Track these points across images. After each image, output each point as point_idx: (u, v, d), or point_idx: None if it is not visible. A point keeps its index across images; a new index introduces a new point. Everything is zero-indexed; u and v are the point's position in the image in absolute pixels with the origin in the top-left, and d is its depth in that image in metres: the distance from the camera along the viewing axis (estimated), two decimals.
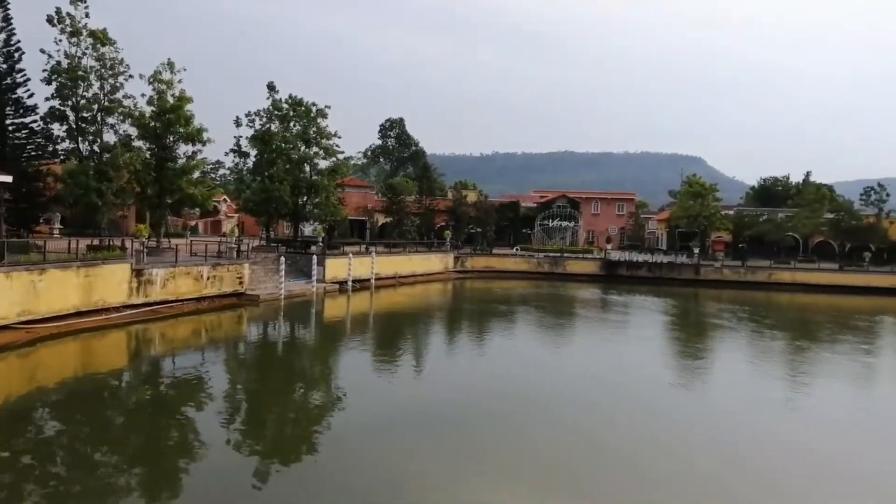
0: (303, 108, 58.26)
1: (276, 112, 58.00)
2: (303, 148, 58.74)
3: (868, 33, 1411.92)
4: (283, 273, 46.25)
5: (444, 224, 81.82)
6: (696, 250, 75.65)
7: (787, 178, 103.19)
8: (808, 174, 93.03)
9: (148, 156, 46.82)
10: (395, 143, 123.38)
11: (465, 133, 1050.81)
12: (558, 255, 76.20)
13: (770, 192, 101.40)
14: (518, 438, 19.33)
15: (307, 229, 69.31)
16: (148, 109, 46.09)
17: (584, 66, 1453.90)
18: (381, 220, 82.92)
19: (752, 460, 18.19)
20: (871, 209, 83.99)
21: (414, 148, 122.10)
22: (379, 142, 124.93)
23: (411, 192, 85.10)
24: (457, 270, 71.17)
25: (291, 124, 58.67)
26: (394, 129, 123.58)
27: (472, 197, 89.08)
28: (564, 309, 51.66)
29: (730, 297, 60.39)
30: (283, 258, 48.27)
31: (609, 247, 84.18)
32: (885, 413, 24.58)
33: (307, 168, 59.69)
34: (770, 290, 65.76)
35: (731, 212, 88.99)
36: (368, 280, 56.12)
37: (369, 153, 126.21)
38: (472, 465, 17.07)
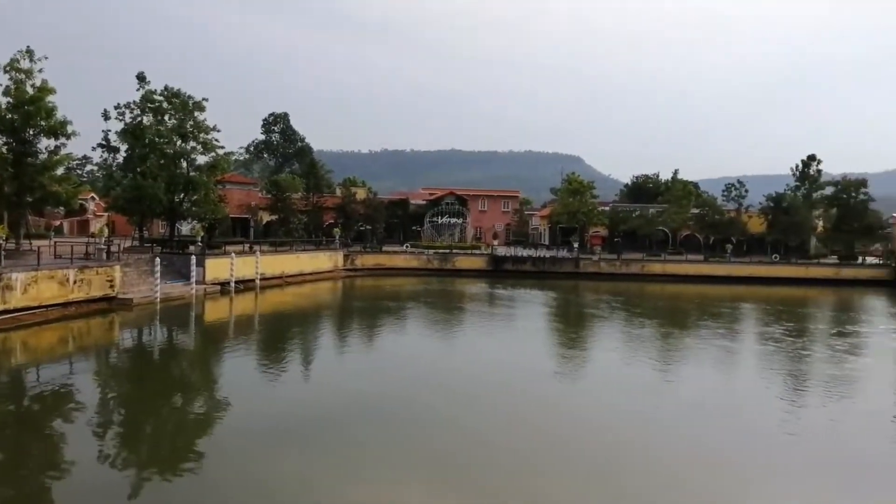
0: (179, 101, 55.28)
1: (148, 104, 54.70)
2: (179, 142, 55.79)
3: (731, 47, 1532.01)
4: (158, 275, 43.76)
5: (332, 222, 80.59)
6: (576, 245, 79.11)
7: (657, 176, 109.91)
8: (675, 172, 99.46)
9: (4, 150, 42.98)
10: (280, 139, 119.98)
11: (354, 130, 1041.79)
12: (447, 251, 77.23)
13: (642, 190, 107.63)
14: (406, 438, 19.31)
15: (185, 228, 66.04)
16: (3, 101, 42.39)
17: (470, 67, 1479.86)
18: (266, 218, 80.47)
19: (631, 443, 19.26)
20: (731, 204, 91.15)
21: (300, 144, 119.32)
22: (262, 137, 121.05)
23: (298, 189, 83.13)
24: (346, 269, 70.36)
25: (166, 117, 55.58)
26: (278, 124, 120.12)
27: (361, 194, 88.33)
28: (453, 304, 52.37)
29: (607, 289, 63.64)
30: (158, 259, 45.65)
31: (496, 243, 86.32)
32: (739, 393, 26.76)
33: (184, 164, 56.75)
34: (643, 281, 69.95)
35: (608, 208, 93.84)
36: (253, 280, 54.26)
37: (252, 148, 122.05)
38: (360, 468, 16.89)
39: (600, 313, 49.68)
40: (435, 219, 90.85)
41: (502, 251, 79.22)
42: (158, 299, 43.13)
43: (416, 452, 18.10)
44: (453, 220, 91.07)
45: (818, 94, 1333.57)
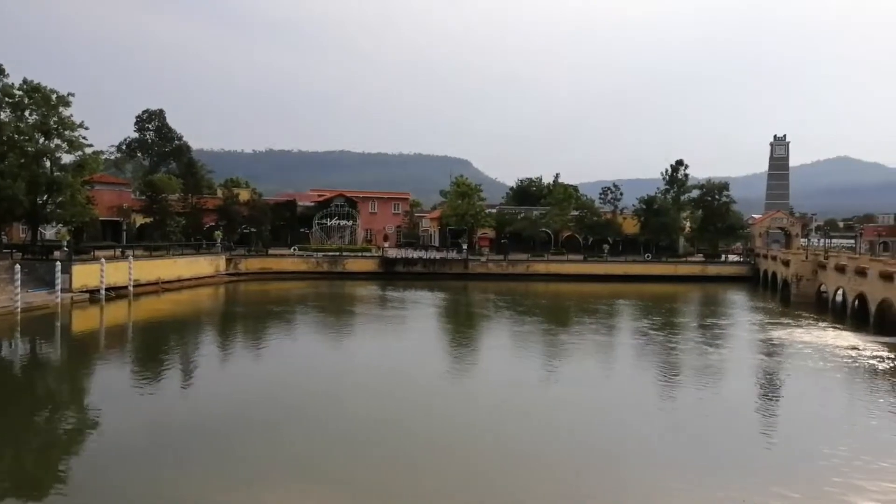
0: (40, 95, 51.05)
1: (6, 99, 50.13)
2: (41, 140, 51.56)
3: (598, 53, 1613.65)
4: (18, 283, 40.27)
5: (213, 224, 77.23)
6: (465, 246, 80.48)
7: (540, 180, 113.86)
8: (557, 176, 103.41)
9: None
10: (155, 137, 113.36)
11: (237, 129, 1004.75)
12: (337, 254, 76.22)
13: (526, 192, 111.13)
14: (289, 445, 18.91)
15: (49, 232, 61.06)
16: None
17: (360, 69, 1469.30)
18: (141, 220, 75.83)
19: (506, 438, 19.85)
20: (608, 206, 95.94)
21: (177, 142, 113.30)
22: (136, 135, 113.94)
23: (175, 190, 79.00)
24: (230, 273, 67.74)
25: (27, 113, 51.19)
26: (153, 122, 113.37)
27: (244, 195, 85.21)
28: (343, 308, 51.76)
29: (495, 289, 65.22)
30: (17, 266, 41.97)
31: (386, 245, 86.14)
32: (613, 386, 28.28)
33: (47, 163, 52.50)
34: (528, 281, 72.26)
35: (495, 210, 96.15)
36: (126, 287, 51.01)
37: (124, 147, 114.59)
38: (237, 480, 16.33)
39: (487, 313, 50.84)
40: (324, 221, 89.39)
41: (393, 253, 79.17)
42: (19, 309, 39.69)
43: (294, 460, 17.75)
44: (343, 223, 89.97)
45: (686, 102, 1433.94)
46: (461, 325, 45.42)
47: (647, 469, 17.54)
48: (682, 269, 78.70)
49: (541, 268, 76.57)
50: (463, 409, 23.40)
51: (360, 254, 78.74)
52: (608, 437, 20.31)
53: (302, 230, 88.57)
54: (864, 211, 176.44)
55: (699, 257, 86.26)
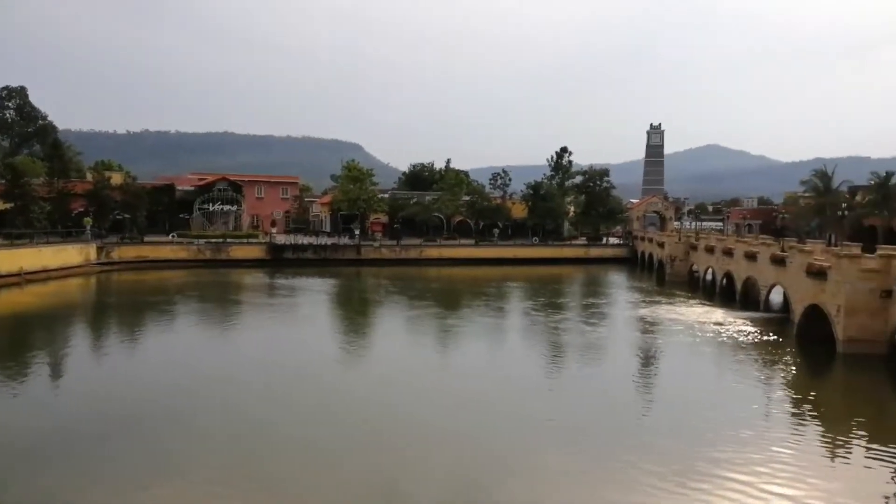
0: None
1: None
2: None
3: (491, 44, 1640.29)
4: None
5: (83, 210, 71.68)
6: (357, 232, 79.50)
7: (432, 165, 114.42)
8: (448, 161, 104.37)
9: None
10: (16, 116, 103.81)
11: (109, 108, 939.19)
12: (221, 240, 73.04)
13: (419, 178, 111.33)
14: (160, 444, 17.88)
15: None
16: None
17: (245, 49, 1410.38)
18: (0, 206, 69.10)
19: (397, 423, 19.75)
20: (497, 192, 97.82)
21: (41, 122, 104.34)
22: None
23: (39, 174, 72.62)
24: (101, 262, 63.23)
25: None
26: (13, 100, 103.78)
27: (117, 179, 79.44)
28: (229, 297, 49.64)
29: (388, 274, 64.91)
30: None
31: (274, 231, 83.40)
32: (501, 365, 28.88)
33: None
34: (422, 266, 72.49)
35: (387, 195, 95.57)
36: None
37: None
38: (111, 480, 15.22)
39: (380, 298, 50.50)
40: (206, 206, 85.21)
41: (282, 239, 76.90)
42: None
43: (164, 461, 16.77)
44: (227, 208, 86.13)
45: (571, 92, 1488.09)
46: (353, 312, 44.84)
47: (530, 446, 17.95)
48: (567, 252, 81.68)
49: (433, 252, 76.98)
50: (355, 397, 23.00)
51: (245, 240, 75.88)
52: (497, 416, 20.59)
53: (182, 216, 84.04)
54: (731, 195, 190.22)
55: (583, 240, 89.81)
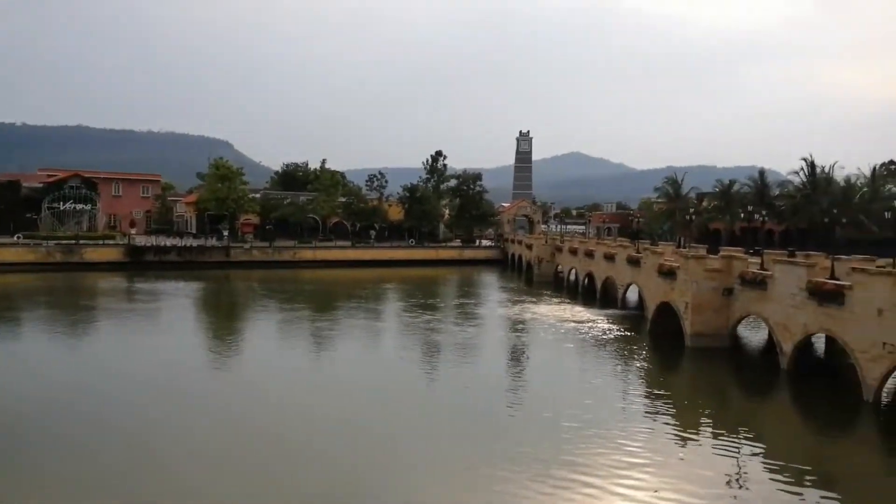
0: None
1: None
2: None
3: (368, 45, 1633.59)
4: None
5: None
6: (226, 233, 76.47)
7: (307, 165, 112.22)
8: (324, 162, 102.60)
9: None
10: None
11: None
12: (73, 242, 67.65)
13: (292, 177, 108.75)
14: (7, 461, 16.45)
15: None
16: None
17: (97, 34, 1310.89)
18: None
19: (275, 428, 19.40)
20: (374, 194, 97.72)
21: None
22: None
23: None
24: None
25: None
26: None
27: None
28: (81, 303, 46.06)
29: (259, 277, 62.97)
30: None
31: (134, 231, 78.25)
32: (377, 366, 29.06)
33: None
34: (296, 268, 70.89)
35: (259, 195, 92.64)
36: None
37: None
38: None
39: (250, 302, 48.96)
40: (56, 205, 78.55)
41: (142, 241, 72.38)
42: None
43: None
44: (80, 207, 79.94)
45: (446, 97, 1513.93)
46: (219, 317, 43.19)
47: (395, 451, 18.18)
48: (443, 254, 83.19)
49: (308, 254, 75.59)
50: (221, 406, 22.22)
51: (101, 242, 70.80)
52: (372, 418, 20.69)
53: (29, 216, 76.99)
54: (593, 200, 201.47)
55: (457, 242, 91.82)
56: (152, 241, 73.17)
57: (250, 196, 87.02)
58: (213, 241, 74.53)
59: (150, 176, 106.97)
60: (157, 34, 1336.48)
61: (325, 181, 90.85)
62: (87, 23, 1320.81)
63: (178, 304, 46.60)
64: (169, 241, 73.65)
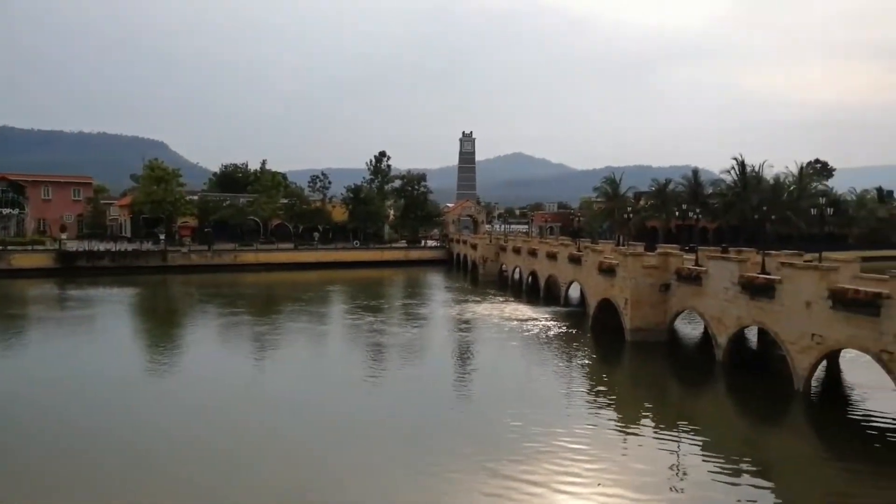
0: None
1: None
2: None
3: (312, 46, 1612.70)
4: None
5: None
6: (163, 237, 74.20)
7: (247, 166, 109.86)
8: (264, 162, 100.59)
9: None
10: None
11: None
12: (0, 248, 64.36)
13: (232, 179, 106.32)
14: None
15: None
16: None
17: (22, 29, 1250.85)
18: None
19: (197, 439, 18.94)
20: (317, 195, 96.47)
21: None
22: None
23: None
24: None
25: None
26: None
27: None
28: (8, 311, 43.82)
29: (199, 281, 61.36)
30: None
31: (65, 236, 74.97)
32: (322, 370, 28.75)
33: None
34: (237, 272, 69.35)
35: (196, 197, 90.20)
36: None
37: None
38: None
39: (188, 308, 47.69)
40: None
41: (74, 246, 69.54)
42: None
43: None
44: (7, 211, 76.35)
45: (390, 97, 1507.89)
46: (156, 324, 41.83)
47: (341, 449, 18.04)
48: (388, 255, 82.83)
49: (250, 257, 74.09)
50: (152, 416, 21.52)
51: (30, 247, 67.63)
52: (311, 423, 20.44)
53: None
54: (535, 200, 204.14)
55: (402, 243, 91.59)
56: (84, 245, 70.44)
57: (188, 198, 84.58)
58: (149, 246, 72.29)
59: (81, 178, 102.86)
60: (87, 30, 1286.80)
61: (265, 182, 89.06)
62: (9, 17, 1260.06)
63: (111, 311, 44.97)
64: (102, 246, 71.10)
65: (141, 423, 20.20)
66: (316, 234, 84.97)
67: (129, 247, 71.79)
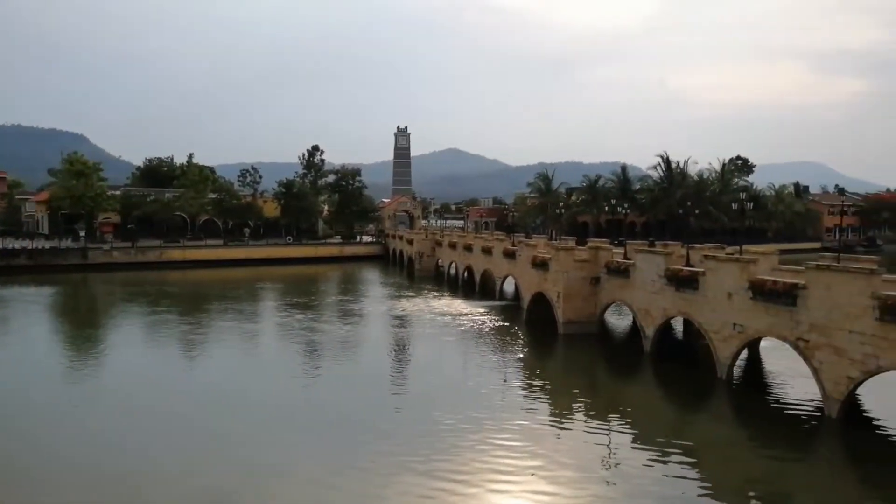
0: None
1: None
2: None
3: (235, 35, 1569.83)
4: None
5: None
6: (83, 233, 70.79)
7: (172, 159, 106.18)
8: (191, 156, 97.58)
9: None
10: None
11: None
12: None
13: (156, 173, 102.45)
14: None
15: None
16: None
17: None
18: None
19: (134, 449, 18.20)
20: (248, 190, 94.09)
21: None
22: None
23: None
24: None
25: None
26: None
27: None
28: None
29: (122, 280, 58.94)
30: None
31: None
32: (250, 371, 28.04)
33: None
34: (162, 269, 66.90)
35: (119, 192, 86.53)
36: None
37: None
38: None
39: (109, 307, 45.68)
40: None
41: None
42: None
43: None
44: None
45: (324, 91, 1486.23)
46: (73, 324, 39.83)
47: (270, 449, 17.62)
48: (323, 251, 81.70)
49: (176, 255, 71.60)
50: (69, 418, 20.49)
51: None
52: (239, 424, 19.85)
53: None
54: (471, 196, 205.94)
55: (337, 239, 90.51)
56: None
57: (109, 193, 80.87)
58: (68, 243, 68.88)
59: None
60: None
61: (192, 176, 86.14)
62: None
63: (27, 311, 42.55)
64: (18, 244, 67.31)
65: (58, 425, 19.13)
66: (246, 231, 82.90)
67: (47, 244, 68.28)
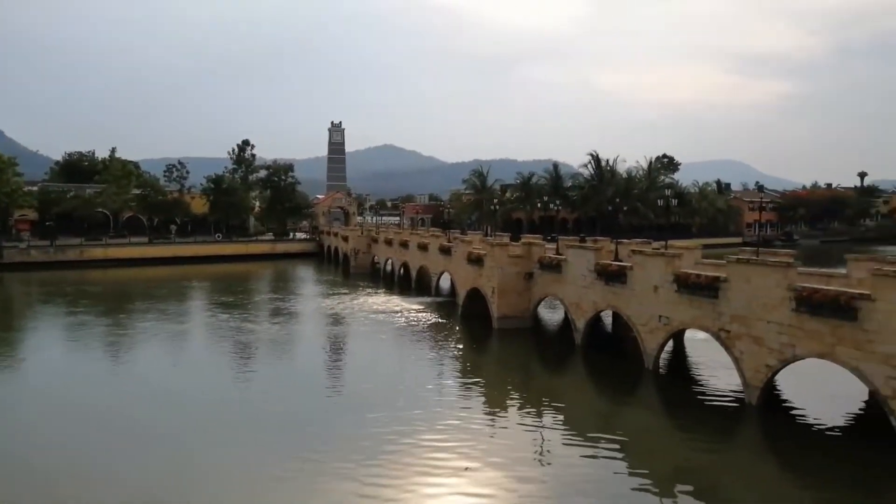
0: None
1: None
2: None
3: (164, 28, 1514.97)
4: None
5: None
6: None
7: (94, 154, 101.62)
8: (113, 150, 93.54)
9: None
10: None
11: None
12: None
13: (77, 168, 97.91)
14: None
15: None
16: None
17: None
18: None
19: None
20: (174, 185, 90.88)
21: None
22: None
23: None
24: None
25: None
26: None
27: None
28: None
29: (39, 280, 56.05)
30: None
31: None
32: (180, 370, 27.14)
33: None
34: (83, 268, 63.91)
35: (36, 188, 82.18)
36: None
37: None
38: None
39: (24, 308, 43.34)
40: None
41: None
42: None
43: None
44: None
45: (254, 85, 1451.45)
46: None
47: (200, 453, 17.15)
48: (254, 248, 79.92)
49: (98, 253, 68.59)
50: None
51: None
52: (166, 427, 19.15)
53: None
54: (406, 192, 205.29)
55: (269, 236, 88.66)
56: None
57: (26, 189, 76.61)
58: None
59: None
60: None
61: (115, 172, 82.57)
62: None
63: None
64: None
65: None
66: (173, 227, 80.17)
67: None
